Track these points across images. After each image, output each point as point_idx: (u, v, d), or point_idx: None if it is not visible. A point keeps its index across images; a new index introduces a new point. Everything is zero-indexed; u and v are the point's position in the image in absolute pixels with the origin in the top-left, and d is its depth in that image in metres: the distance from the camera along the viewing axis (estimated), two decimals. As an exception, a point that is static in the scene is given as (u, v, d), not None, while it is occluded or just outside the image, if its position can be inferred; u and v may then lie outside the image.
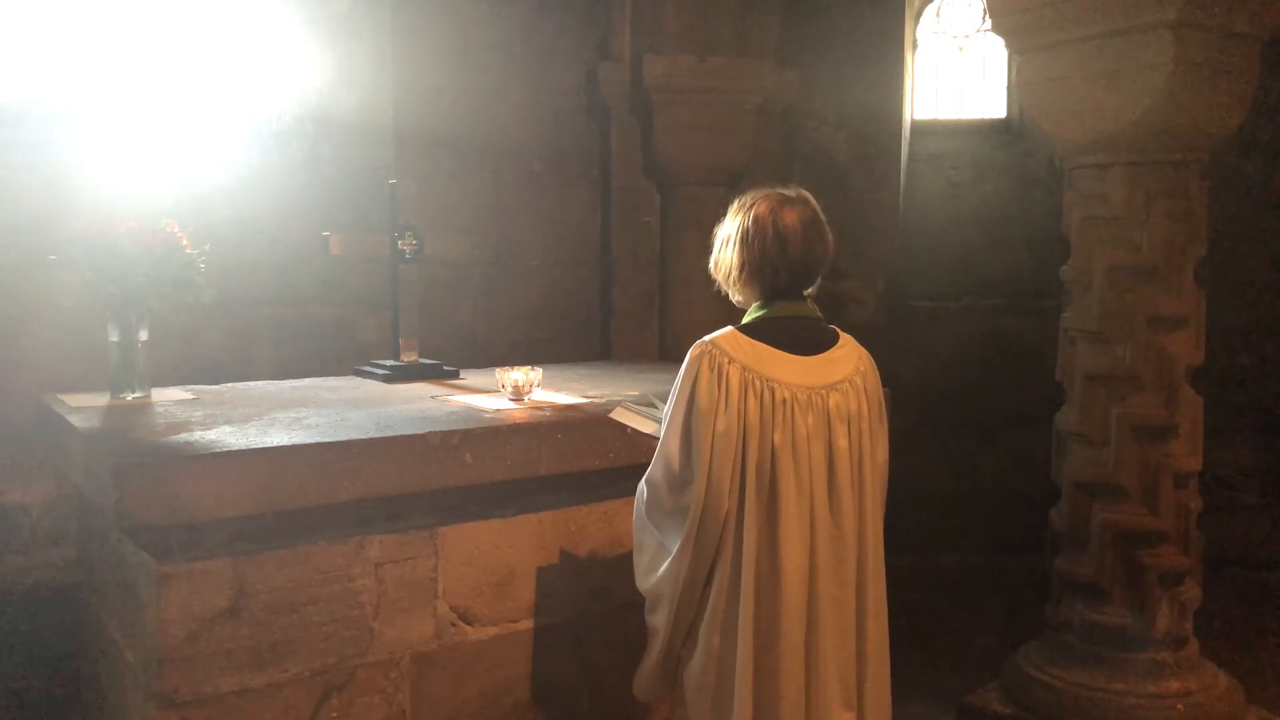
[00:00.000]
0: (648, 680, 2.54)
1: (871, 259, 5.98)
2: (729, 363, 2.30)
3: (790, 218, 2.36)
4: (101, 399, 3.17)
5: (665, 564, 2.38)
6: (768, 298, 2.41)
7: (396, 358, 3.86)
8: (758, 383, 2.30)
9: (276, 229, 4.33)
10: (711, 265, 2.50)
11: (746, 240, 2.37)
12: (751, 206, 2.40)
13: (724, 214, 2.50)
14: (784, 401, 2.30)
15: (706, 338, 2.36)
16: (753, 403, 2.29)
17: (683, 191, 5.28)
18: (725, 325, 2.43)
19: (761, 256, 2.36)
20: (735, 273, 2.41)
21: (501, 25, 4.97)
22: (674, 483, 2.34)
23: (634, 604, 2.70)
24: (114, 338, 3.15)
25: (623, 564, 3.00)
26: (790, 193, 2.42)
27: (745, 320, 2.43)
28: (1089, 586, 3.74)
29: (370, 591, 2.73)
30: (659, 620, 2.44)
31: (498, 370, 3.41)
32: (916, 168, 6.29)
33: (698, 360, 2.32)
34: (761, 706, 2.31)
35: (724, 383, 2.28)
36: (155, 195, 3.88)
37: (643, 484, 2.47)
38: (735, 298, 2.49)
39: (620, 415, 2.75)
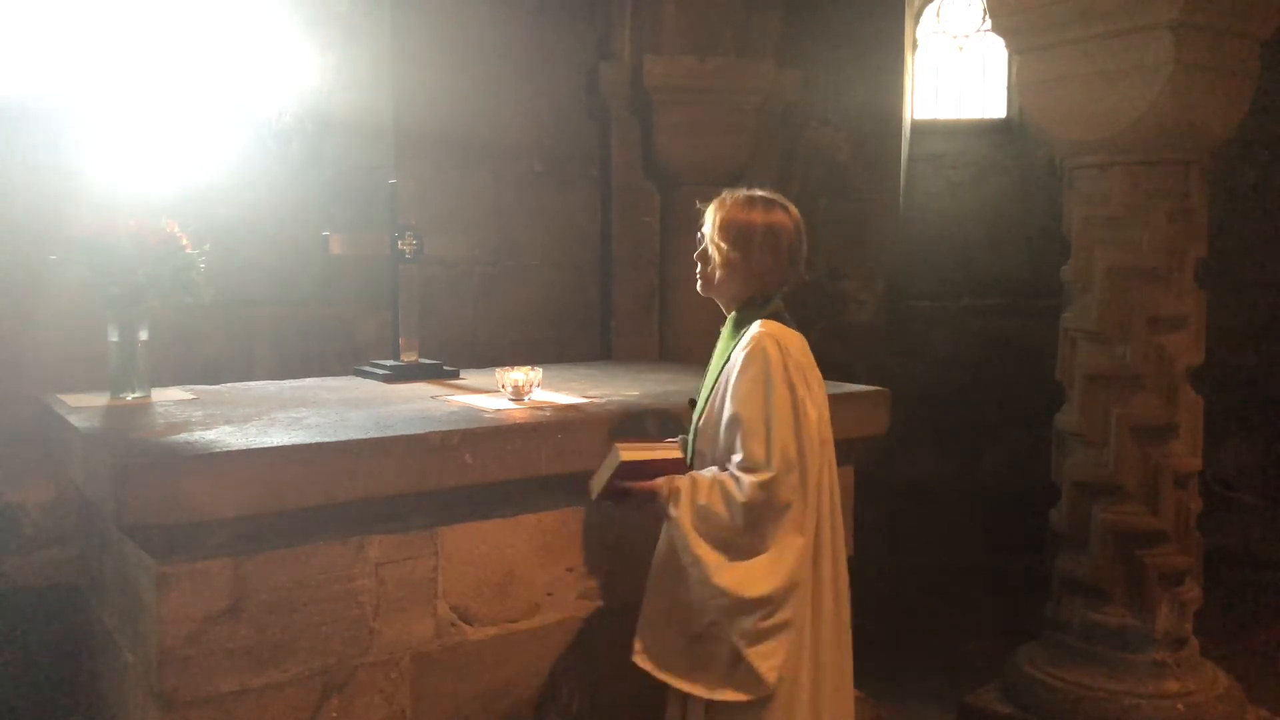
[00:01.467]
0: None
1: (871, 259, 5.99)
2: (791, 354, 2.46)
3: (798, 216, 2.56)
4: (101, 399, 3.16)
5: (785, 556, 2.43)
6: (774, 295, 2.57)
7: (396, 358, 3.85)
8: (809, 372, 2.51)
9: (276, 229, 4.33)
10: (722, 262, 2.54)
11: (776, 242, 2.51)
12: (764, 206, 2.52)
13: (705, 213, 2.60)
14: (818, 389, 2.53)
15: (764, 330, 2.47)
16: (816, 390, 2.51)
17: (683, 192, 5.27)
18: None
19: (790, 257, 2.53)
20: (759, 271, 2.51)
21: (501, 25, 4.97)
22: (793, 470, 2.43)
23: (634, 604, 2.70)
24: (114, 338, 3.14)
25: (623, 564, 3.01)
26: (773, 194, 2.57)
27: (764, 314, 2.53)
28: (1089, 586, 3.74)
29: (370, 591, 2.73)
30: (790, 612, 2.43)
31: (498, 370, 3.40)
32: (916, 168, 6.29)
33: (778, 354, 2.44)
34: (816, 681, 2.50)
35: (799, 373, 2.46)
36: (155, 194, 3.88)
37: (744, 488, 2.41)
38: (738, 295, 2.57)
39: (627, 454, 2.58)
